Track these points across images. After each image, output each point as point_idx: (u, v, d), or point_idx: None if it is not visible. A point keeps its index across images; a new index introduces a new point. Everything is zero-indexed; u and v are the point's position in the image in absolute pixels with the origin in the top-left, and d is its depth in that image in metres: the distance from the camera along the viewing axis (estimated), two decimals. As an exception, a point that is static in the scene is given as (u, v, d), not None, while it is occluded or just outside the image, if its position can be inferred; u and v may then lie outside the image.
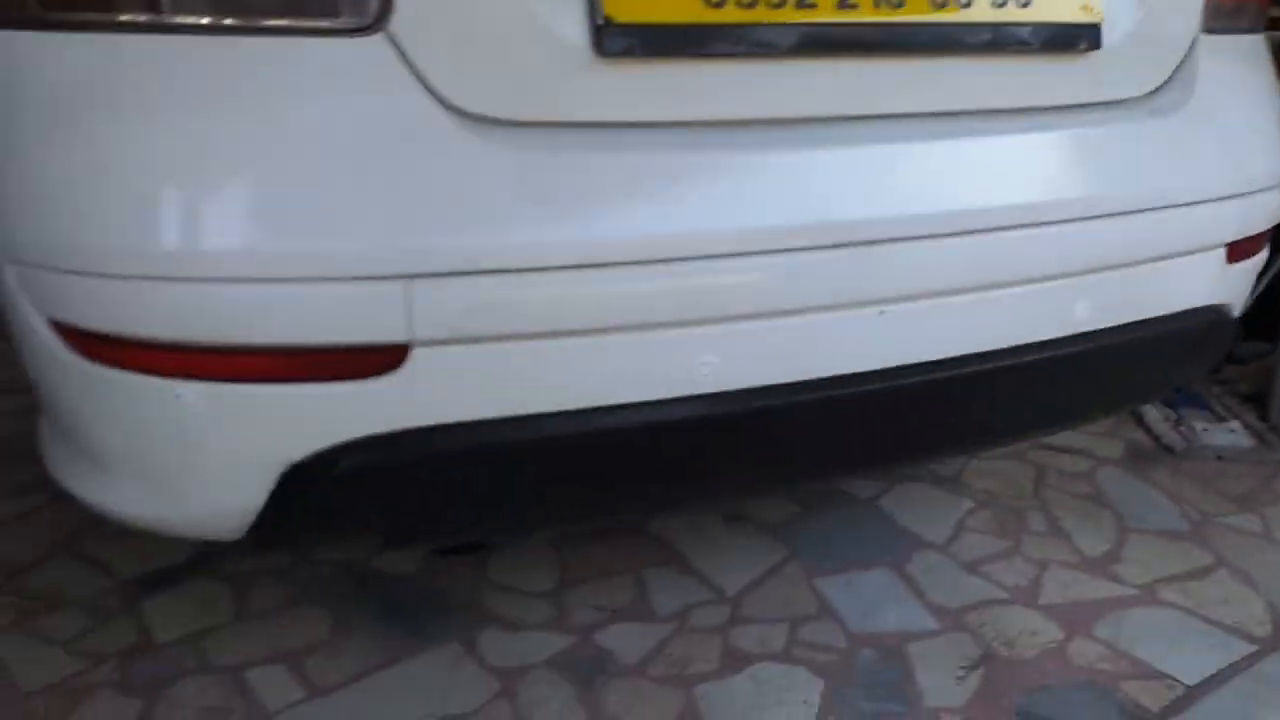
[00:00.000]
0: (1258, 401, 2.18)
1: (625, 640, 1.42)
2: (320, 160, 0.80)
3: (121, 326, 0.82)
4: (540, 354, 0.87)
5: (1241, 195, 1.19)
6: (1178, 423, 2.09)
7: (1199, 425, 2.07)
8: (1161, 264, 1.16)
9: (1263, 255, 1.33)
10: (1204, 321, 1.25)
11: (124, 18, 0.79)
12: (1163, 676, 1.36)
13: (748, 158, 0.91)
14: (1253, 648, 1.42)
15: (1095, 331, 1.14)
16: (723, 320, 0.91)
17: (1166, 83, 1.15)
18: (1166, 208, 1.12)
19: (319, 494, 0.89)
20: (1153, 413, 2.13)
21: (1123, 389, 1.32)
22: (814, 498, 1.81)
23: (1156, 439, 2.06)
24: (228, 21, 0.79)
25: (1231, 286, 1.28)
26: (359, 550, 1.48)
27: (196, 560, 1.56)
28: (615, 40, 0.85)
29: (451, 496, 0.94)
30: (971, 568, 1.62)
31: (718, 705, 1.30)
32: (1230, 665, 1.38)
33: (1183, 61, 1.16)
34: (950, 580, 1.58)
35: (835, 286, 0.94)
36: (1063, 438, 2.06)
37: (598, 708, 1.29)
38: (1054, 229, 1.05)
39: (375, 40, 0.81)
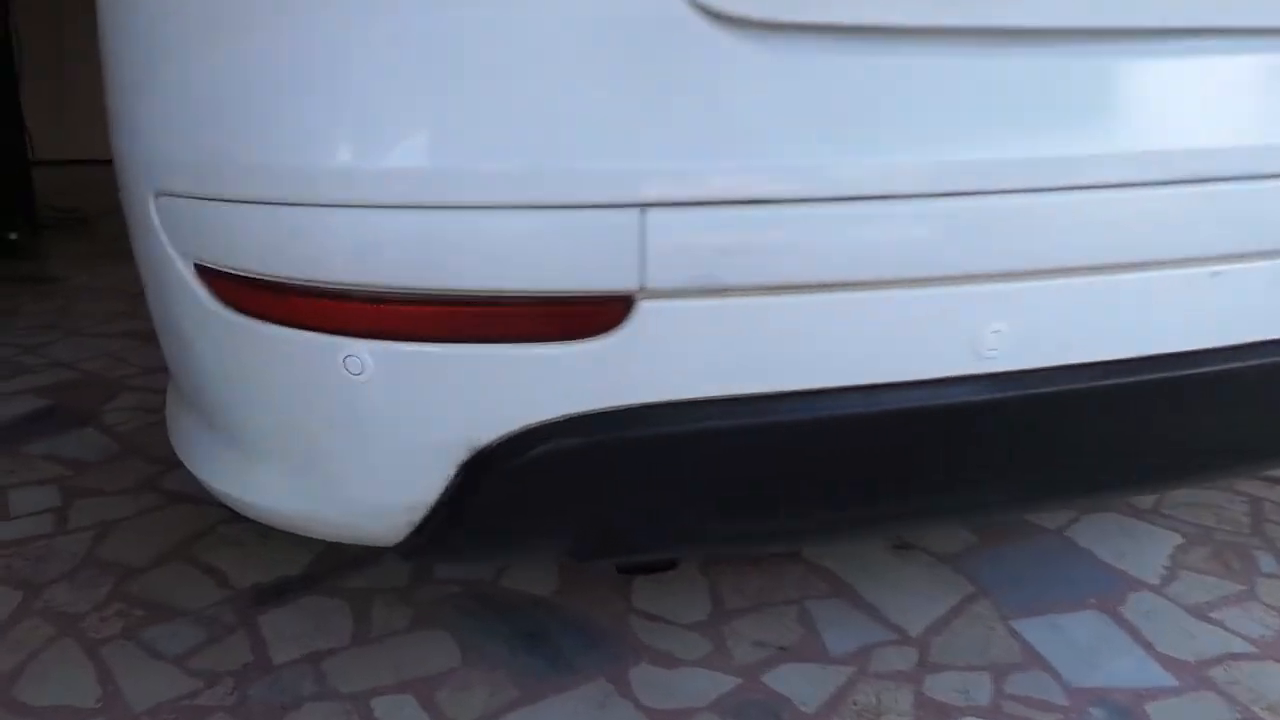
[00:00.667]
0: None
1: (799, 683, 1.22)
2: (534, 62, 0.63)
3: (282, 268, 0.66)
4: (795, 312, 0.68)
5: None
6: None
7: None
8: None
9: None
10: None
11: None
12: None
13: (1047, 72, 0.71)
14: None
15: None
16: (1018, 277, 0.71)
17: None
18: None
19: (505, 488, 0.71)
20: (1380, 441, 1.83)
21: None
22: (992, 526, 1.58)
23: (1393, 471, 1.76)
24: None
25: None
26: (536, 560, 1.31)
27: (314, 574, 1.42)
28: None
29: (668, 496, 0.75)
30: (1200, 613, 1.37)
31: (922, 768, 1.09)
32: None
33: None
34: (1178, 627, 1.33)
35: (1158, 235, 0.73)
36: (1275, 467, 1.79)
37: (778, 764, 1.09)
38: None
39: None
